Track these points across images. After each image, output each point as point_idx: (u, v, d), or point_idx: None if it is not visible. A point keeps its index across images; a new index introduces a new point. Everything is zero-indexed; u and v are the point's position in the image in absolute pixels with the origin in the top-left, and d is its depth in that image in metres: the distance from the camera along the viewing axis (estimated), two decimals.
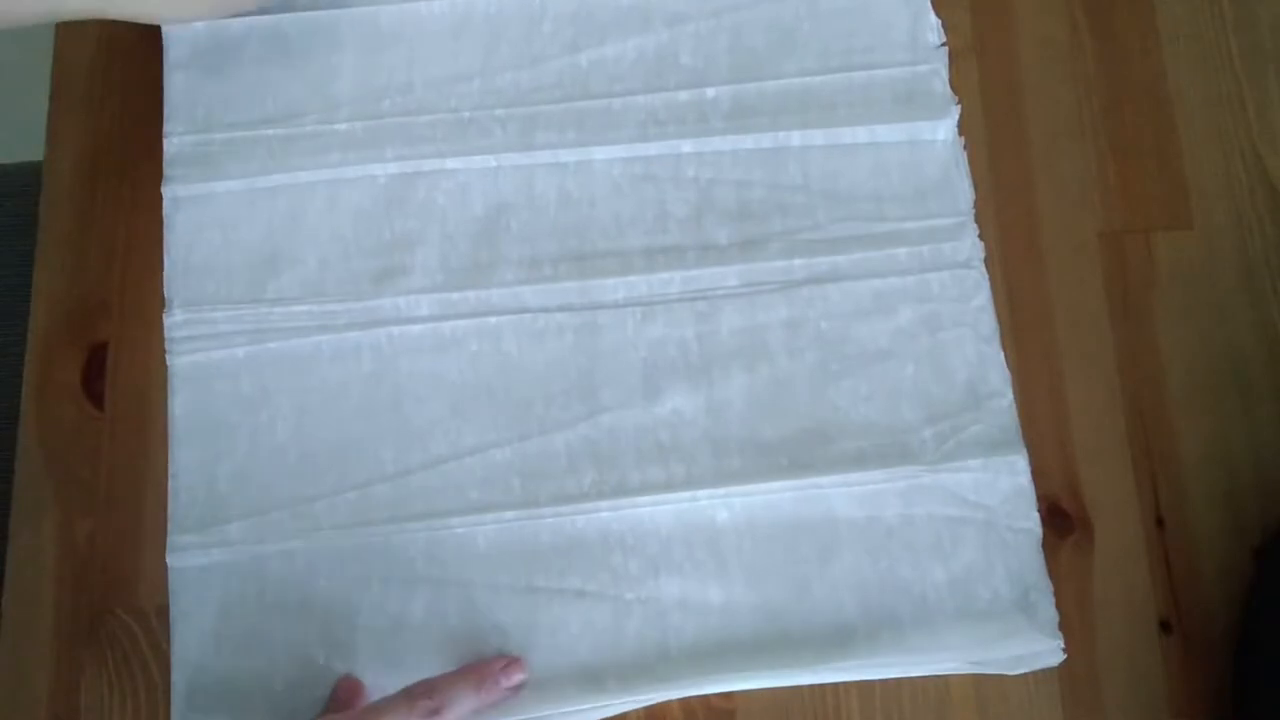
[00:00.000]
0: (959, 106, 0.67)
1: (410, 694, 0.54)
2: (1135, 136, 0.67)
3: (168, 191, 0.65)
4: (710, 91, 0.67)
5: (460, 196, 0.65)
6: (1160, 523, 0.61)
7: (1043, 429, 0.62)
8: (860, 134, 0.67)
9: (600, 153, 0.66)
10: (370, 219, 0.65)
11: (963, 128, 0.67)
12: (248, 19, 0.68)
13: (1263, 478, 0.62)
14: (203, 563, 0.60)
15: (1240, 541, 0.61)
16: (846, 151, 0.67)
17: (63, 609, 0.61)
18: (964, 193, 0.66)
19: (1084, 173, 0.67)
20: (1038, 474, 0.61)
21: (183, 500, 0.61)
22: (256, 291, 0.64)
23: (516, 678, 0.57)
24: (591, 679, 0.59)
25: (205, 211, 0.65)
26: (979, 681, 0.59)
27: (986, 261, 0.65)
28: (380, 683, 0.58)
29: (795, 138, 0.67)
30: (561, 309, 0.64)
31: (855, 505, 0.61)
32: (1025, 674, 0.58)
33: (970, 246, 0.65)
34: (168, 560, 0.60)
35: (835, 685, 0.59)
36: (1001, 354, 0.63)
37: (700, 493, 0.61)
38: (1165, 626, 0.60)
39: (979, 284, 0.64)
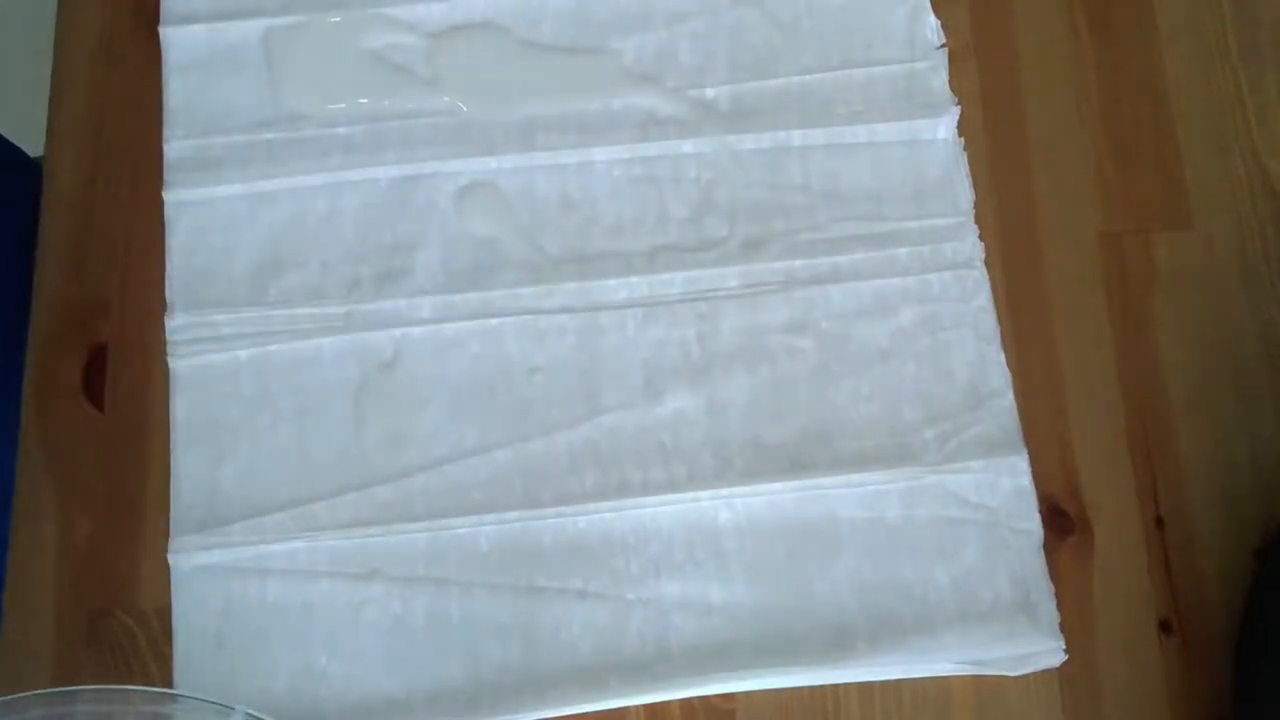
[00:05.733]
0: (959, 107, 0.67)
1: None
2: (1135, 136, 0.67)
3: (169, 196, 0.65)
4: (710, 91, 0.67)
5: (461, 199, 0.65)
6: (1160, 523, 0.61)
7: (1043, 429, 0.62)
8: (860, 133, 0.67)
9: (600, 153, 0.66)
10: (372, 222, 0.65)
11: (962, 128, 0.67)
12: (246, 22, 0.68)
13: (1263, 478, 0.62)
14: (204, 563, 0.60)
15: (1240, 541, 0.61)
16: (846, 151, 0.67)
17: (63, 609, 0.60)
18: (964, 193, 0.66)
19: (1084, 173, 0.67)
20: (1037, 475, 0.61)
21: (184, 501, 0.61)
22: (258, 294, 0.64)
23: None
24: (593, 679, 0.59)
25: (206, 215, 0.65)
26: (979, 682, 0.59)
27: (986, 261, 0.65)
28: (382, 684, 0.58)
29: (795, 137, 0.67)
30: (563, 310, 0.64)
31: (856, 506, 0.61)
32: (1025, 675, 0.59)
33: (971, 246, 0.65)
34: (169, 560, 0.60)
35: (835, 686, 0.59)
36: (1002, 354, 0.63)
37: (702, 493, 0.61)
38: (1165, 626, 0.60)
39: (979, 284, 0.64)
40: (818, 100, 0.67)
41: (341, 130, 0.66)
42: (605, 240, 0.65)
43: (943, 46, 0.68)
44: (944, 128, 0.67)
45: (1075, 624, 0.59)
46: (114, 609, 0.60)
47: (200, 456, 0.62)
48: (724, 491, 0.61)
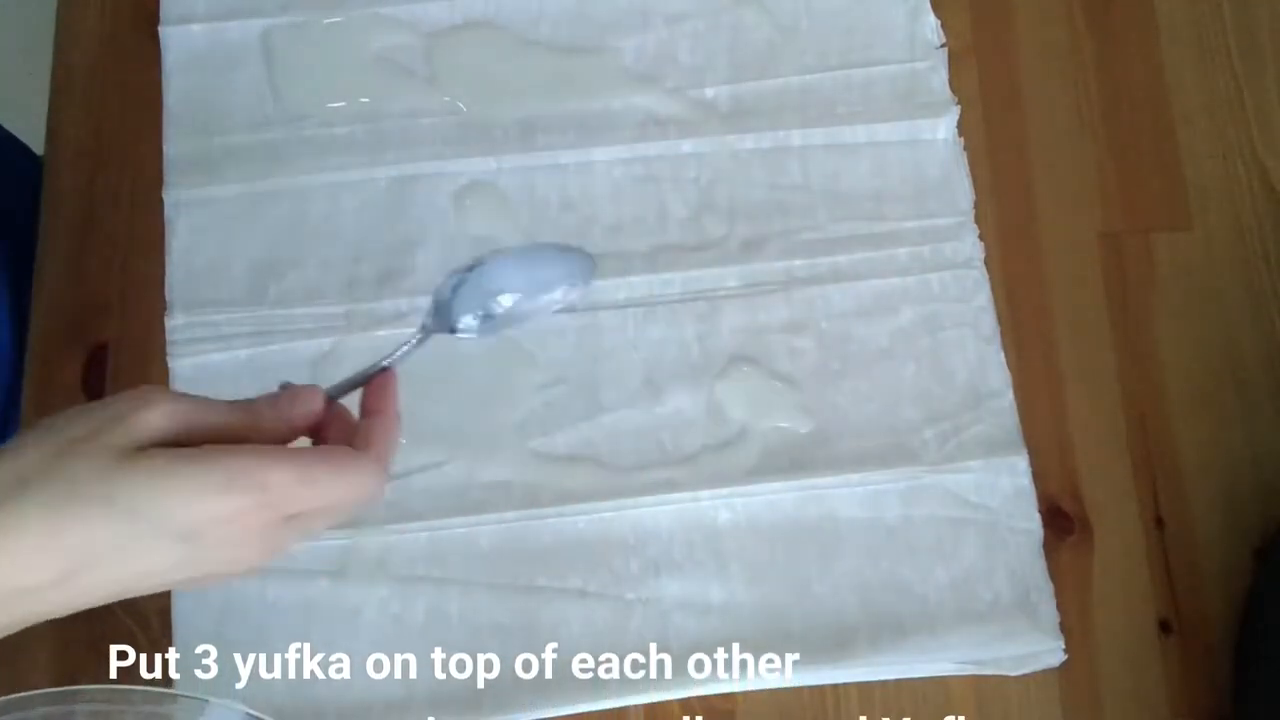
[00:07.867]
0: (959, 107, 0.67)
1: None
2: (1135, 137, 0.67)
3: (169, 196, 0.65)
4: (710, 91, 0.67)
5: (461, 199, 0.65)
6: (1160, 523, 0.61)
7: (1043, 429, 0.62)
8: (860, 133, 0.67)
9: (600, 153, 0.66)
10: (371, 221, 0.65)
11: (962, 128, 0.67)
12: (245, 22, 0.68)
13: (1263, 479, 0.62)
14: None
15: (1240, 542, 0.61)
16: (846, 151, 0.67)
17: None
18: (964, 193, 0.66)
19: (1084, 173, 0.67)
20: (1038, 475, 0.61)
21: None
22: (258, 294, 0.64)
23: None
24: (593, 678, 0.59)
25: (206, 215, 0.65)
26: (979, 682, 0.59)
27: (986, 261, 0.65)
28: (382, 684, 0.58)
29: (795, 137, 0.67)
30: (563, 309, 0.63)
31: (856, 506, 0.61)
32: (1025, 674, 0.59)
33: (971, 246, 0.65)
34: None
35: (835, 685, 0.59)
36: (1002, 354, 0.63)
37: (701, 493, 0.61)
38: (1165, 626, 0.60)
39: (979, 284, 0.64)
40: (818, 100, 0.67)
41: (341, 130, 0.66)
42: (605, 240, 0.65)
43: (943, 46, 0.68)
44: (944, 128, 0.67)
45: (1075, 624, 0.60)
46: (114, 609, 0.60)
47: None
48: (724, 491, 0.61)
